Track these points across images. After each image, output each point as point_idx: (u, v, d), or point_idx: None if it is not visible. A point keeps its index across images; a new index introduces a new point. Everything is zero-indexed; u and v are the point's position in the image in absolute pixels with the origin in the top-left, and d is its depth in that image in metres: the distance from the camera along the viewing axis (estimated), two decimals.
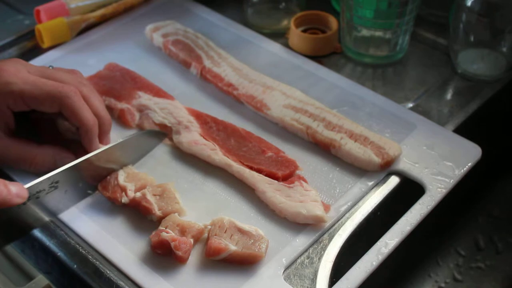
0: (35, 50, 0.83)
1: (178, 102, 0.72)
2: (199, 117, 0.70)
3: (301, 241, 0.58)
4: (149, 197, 0.60)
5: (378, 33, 0.80)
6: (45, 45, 0.82)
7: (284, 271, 0.56)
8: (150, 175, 0.63)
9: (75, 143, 0.64)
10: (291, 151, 0.67)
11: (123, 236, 0.58)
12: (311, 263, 0.57)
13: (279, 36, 0.86)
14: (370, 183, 0.64)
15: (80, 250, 0.57)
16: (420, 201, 0.61)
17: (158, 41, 0.82)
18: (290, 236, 0.59)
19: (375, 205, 0.62)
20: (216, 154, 0.65)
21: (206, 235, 0.58)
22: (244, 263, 0.56)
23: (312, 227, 0.59)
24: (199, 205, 0.62)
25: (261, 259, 0.56)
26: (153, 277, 0.55)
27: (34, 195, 0.56)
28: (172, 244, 0.55)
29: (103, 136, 0.65)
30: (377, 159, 0.64)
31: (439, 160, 0.65)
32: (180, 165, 0.66)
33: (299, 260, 0.57)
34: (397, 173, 0.65)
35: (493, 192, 0.86)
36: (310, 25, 0.86)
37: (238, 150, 0.66)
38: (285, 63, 0.80)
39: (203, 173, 0.65)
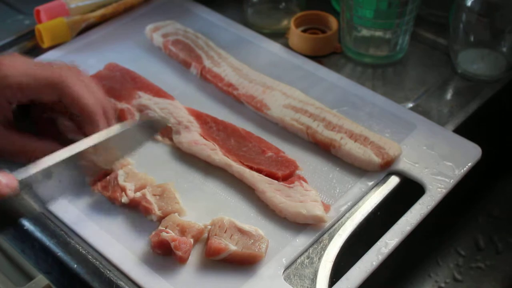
0: (35, 50, 0.83)
1: (178, 102, 0.72)
2: (199, 117, 0.70)
3: (301, 241, 0.58)
4: (149, 197, 0.60)
5: (378, 33, 0.80)
6: (45, 45, 0.82)
7: (284, 271, 0.56)
8: (150, 175, 0.63)
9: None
10: (291, 151, 0.67)
11: (123, 236, 0.58)
12: (311, 263, 0.57)
13: (279, 36, 0.86)
14: (370, 183, 0.64)
15: (80, 250, 0.57)
16: (420, 201, 0.61)
17: (158, 41, 0.82)
18: (290, 236, 0.59)
19: (375, 205, 0.62)
20: (216, 154, 0.65)
21: (206, 235, 0.58)
22: (244, 263, 0.56)
23: (312, 227, 0.59)
24: (199, 205, 0.62)
25: (261, 259, 0.56)
26: (153, 277, 0.55)
27: (27, 186, 0.55)
28: (172, 244, 0.55)
29: (107, 121, 0.64)
30: (377, 159, 0.64)
31: (439, 160, 0.65)
32: (180, 165, 0.66)
33: (299, 260, 0.57)
34: (397, 173, 0.65)
35: (493, 192, 0.86)
36: (310, 25, 0.86)
37: (238, 150, 0.66)
38: (285, 63, 0.80)
39: (203, 173, 0.65)
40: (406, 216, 0.60)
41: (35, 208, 0.58)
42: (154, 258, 0.56)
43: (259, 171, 0.64)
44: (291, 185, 0.62)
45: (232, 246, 0.55)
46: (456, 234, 0.81)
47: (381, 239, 0.58)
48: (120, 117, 0.71)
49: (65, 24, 0.82)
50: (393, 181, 0.65)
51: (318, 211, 0.59)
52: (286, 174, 0.63)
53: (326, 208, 0.60)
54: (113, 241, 0.58)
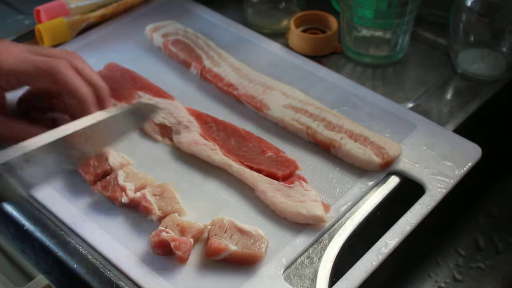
0: None
1: (178, 102, 0.72)
2: (199, 117, 0.70)
3: (301, 241, 0.58)
4: (149, 197, 0.60)
5: (378, 33, 0.80)
6: (45, 45, 0.82)
7: (284, 271, 0.56)
8: (150, 175, 0.63)
9: None
10: (291, 151, 0.67)
11: (123, 236, 0.58)
12: (311, 263, 0.57)
13: (279, 36, 0.86)
14: (370, 183, 0.64)
15: (80, 250, 0.57)
16: (420, 201, 0.61)
17: (158, 41, 0.82)
18: (290, 236, 0.59)
19: (375, 205, 0.62)
20: (216, 154, 0.65)
21: (206, 235, 0.58)
22: (244, 263, 0.56)
23: (312, 227, 0.59)
24: (199, 205, 0.62)
25: (261, 259, 0.56)
26: (153, 277, 0.55)
27: (10, 169, 0.54)
28: (172, 244, 0.55)
29: (102, 103, 0.64)
30: (377, 159, 0.64)
31: (439, 160, 0.65)
32: (180, 165, 0.66)
33: (299, 260, 0.57)
34: (397, 173, 0.65)
35: (493, 192, 0.86)
36: (310, 25, 0.86)
37: (238, 150, 0.66)
38: (285, 63, 0.80)
39: (203, 173, 0.65)
40: (406, 216, 0.60)
41: (20, 192, 0.58)
42: (154, 258, 0.56)
43: (259, 171, 0.64)
44: (291, 185, 0.62)
45: (232, 246, 0.55)
46: (456, 234, 0.81)
47: (381, 239, 0.58)
48: None
49: (65, 24, 0.82)
50: (393, 181, 0.65)
51: (318, 211, 0.59)
52: (286, 174, 0.63)
53: (326, 208, 0.60)
54: (113, 241, 0.58)
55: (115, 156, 0.64)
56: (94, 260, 0.57)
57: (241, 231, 0.57)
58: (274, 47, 0.82)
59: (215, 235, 0.56)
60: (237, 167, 0.64)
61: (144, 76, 0.76)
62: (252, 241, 0.56)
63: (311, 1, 0.89)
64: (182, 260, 0.55)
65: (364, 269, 0.55)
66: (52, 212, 0.61)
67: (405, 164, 0.65)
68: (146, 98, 0.72)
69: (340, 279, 0.54)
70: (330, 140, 0.66)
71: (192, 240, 0.56)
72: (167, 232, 0.56)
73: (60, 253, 0.58)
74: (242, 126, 0.70)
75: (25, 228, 0.60)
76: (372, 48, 0.81)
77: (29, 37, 0.85)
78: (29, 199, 0.62)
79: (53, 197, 0.62)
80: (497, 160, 0.84)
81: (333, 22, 0.84)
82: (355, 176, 0.65)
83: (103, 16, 0.86)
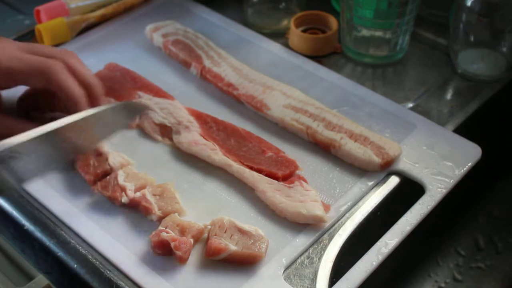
0: None
1: (178, 102, 0.72)
2: (199, 117, 0.70)
3: (301, 241, 0.58)
4: (149, 197, 0.60)
5: (378, 33, 0.80)
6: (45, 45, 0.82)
7: (284, 271, 0.56)
8: (150, 175, 0.63)
9: None
10: (291, 151, 0.67)
11: (123, 236, 0.58)
12: (311, 263, 0.57)
13: (279, 36, 0.86)
14: (370, 183, 0.64)
15: (80, 250, 0.57)
16: (420, 201, 0.61)
17: (158, 41, 0.82)
18: (290, 236, 0.59)
19: (375, 205, 0.62)
20: (216, 154, 0.65)
21: (206, 235, 0.58)
22: (244, 263, 0.56)
23: (312, 227, 0.59)
24: (199, 205, 0.62)
25: (261, 259, 0.56)
26: (153, 277, 0.55)
27: (2, 161, 0.54)
28: (172, 244, 0.55)
29: (96, 101, 0.64)
30: (377, 159, 0.64)
31: (439, 160, 0.65)
32: (180, 165, 0.66)
33: (299, 260, 0.57)
34: (397, 173, 0.65)
35: (493, 192, 0.86)
36: (310, 25, 0.86)
37: (238, 150, 0.66)
38: (285, 63, 0.80)
39: (203, 173, 0.65)
40: (406, 216, 0.60)
41: (13, 185, 0.57)
42: (154, 258, 0.56)
43: (259, 171, 0.64)
44: (291, 185, 0.62)
45: (232, 246, 0.55)
46: (456, 234, 0.81)
47: (381, 239, 0.58)
48: None
49: (65, 24, 0.82)
50: (393, 181, 0.65)
51: (318, 211, 0.59)
52: (286, 174, 0.63)
53: (326, 208, 0.60)
54: (113, 241, 0.58)
55: (115, 156, 0.64)
56: (94, 260, 0.57)
57: (241, 231, 0.57)
58: (274, 47, 0.82)
59: (215, 235, 0.56)
60: (237, 167, 0.64)
61: (144, 76, 0.76)
62: (252, 241, 0.56)
63: (311, 1, 0.89)
64: (182, 260, 0.55)
65: (364, 269, 0.55)
66: (52, 212, 0.61)
67: (405, 164, 0.65)
68: (146, 98, 0.72)
69: (340, 279, 0.54)
70: (330, 140, 0.66)
71: (192, 240, 0.56)
72: (167, 232, 0.56)
73: (60, 253, 0.58)
74: (242, 126, 0.70)
75: (25, 228, 0.60)
76: (372, 48, 0.81)
77: (29, 37, 0.85)
78: (29, 199, 0.62)
79: (53, 197, 0.62)
80: (497, 160, 0.84)
81: (333, 22, 0.84)
82: (355, 176, 0.65)
83: (103, 16, 0.86)
